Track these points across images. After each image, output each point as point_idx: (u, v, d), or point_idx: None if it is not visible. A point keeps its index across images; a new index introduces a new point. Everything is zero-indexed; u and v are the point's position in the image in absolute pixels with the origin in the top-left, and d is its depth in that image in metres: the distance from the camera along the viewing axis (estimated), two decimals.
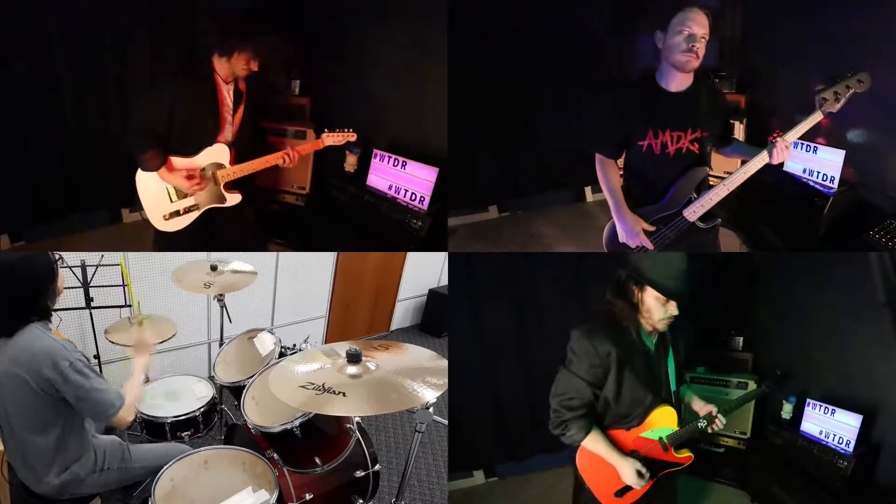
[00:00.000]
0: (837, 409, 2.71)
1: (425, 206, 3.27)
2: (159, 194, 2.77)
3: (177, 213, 2.80)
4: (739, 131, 3.81)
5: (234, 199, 2.83)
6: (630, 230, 2.35)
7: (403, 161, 3.35)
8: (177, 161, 2.70)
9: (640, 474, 1.93)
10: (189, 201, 2.81)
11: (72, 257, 2.89)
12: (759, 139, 3.69)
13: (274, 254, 4.02)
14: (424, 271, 5.46)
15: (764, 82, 3.83)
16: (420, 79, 3.34)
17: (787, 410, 3.03)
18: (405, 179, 3.35)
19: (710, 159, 2.38)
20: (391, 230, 3.38)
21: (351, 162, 3.65)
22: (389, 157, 3.42)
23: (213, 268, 2.97)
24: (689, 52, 2.18)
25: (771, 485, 2.93)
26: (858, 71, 2.08)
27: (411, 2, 3.30)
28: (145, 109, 2.69)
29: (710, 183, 2.40)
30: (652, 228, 2.35)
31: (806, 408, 2.87)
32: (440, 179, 3.23)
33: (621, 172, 2.46)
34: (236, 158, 2.75)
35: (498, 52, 4.02)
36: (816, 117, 2.14)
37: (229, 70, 2.66)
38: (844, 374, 2.78)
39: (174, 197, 2.78)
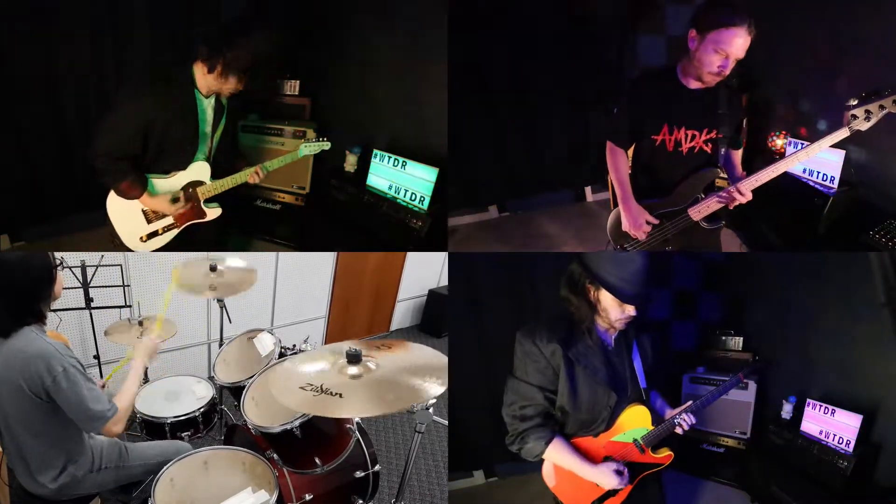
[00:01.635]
0: (837, 409, 2.71)
1: (425, 206, 3.27)
2: (135, 216, 2.60)
3: (155, 234, 2.68)
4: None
5: (213, 213, 2.72)
6: (635, 220, 2.33)
7: (403, 161, 3.35)
8: (157, 182, 2.52)
9: (618, 473, 1.80)
10: (168, 220, 2.68)
11: (72, 257, 2.89)
12: (759, 139, 3.70)
13: (274, 254, 4.02)
14: (424, 271, 5.46)
15: (764, 82, 3.82)
16: (420, 79, 3.34)
17: (787, 410, 3.03)
18: (405, 179, 3.35)
19: (722, 161, 2.34)
20: (391, 230, 3.38)
21: (351, 162, 3.66)
22: (389, 157, 3.42)
23: (213, 268, 2.97)
24: (718, 75, 2.12)
25: (771, 485, 2.94)
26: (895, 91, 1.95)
27: (411, 2, 3.31)
28: (119, 128, 2.35)
29: (718, 184, 2.38)
30: (656, 221, 2.34)
31: (806, 408, 2.87)
32: (440, 179, 3.23)
33: (632, 163, 2.45)
34: (215, 173, 2.63)
35: (498, 52, 4.02)
36: (842, 133, 2.04)
37: (212, 84, 2.43)
38: (844, 374, 2.78)
39: (151, 216, 2.63)
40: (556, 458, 1.82)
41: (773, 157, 3.62)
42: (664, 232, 2.37)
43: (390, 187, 3.42)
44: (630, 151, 2.45)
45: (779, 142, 3.62)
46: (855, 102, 1.98)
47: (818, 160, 3.23)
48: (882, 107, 1.94)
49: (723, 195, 2.24)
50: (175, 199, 2.62)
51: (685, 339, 3.69)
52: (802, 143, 3.35)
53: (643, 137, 2.32)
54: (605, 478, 1.80)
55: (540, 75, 4.10)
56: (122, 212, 2.60)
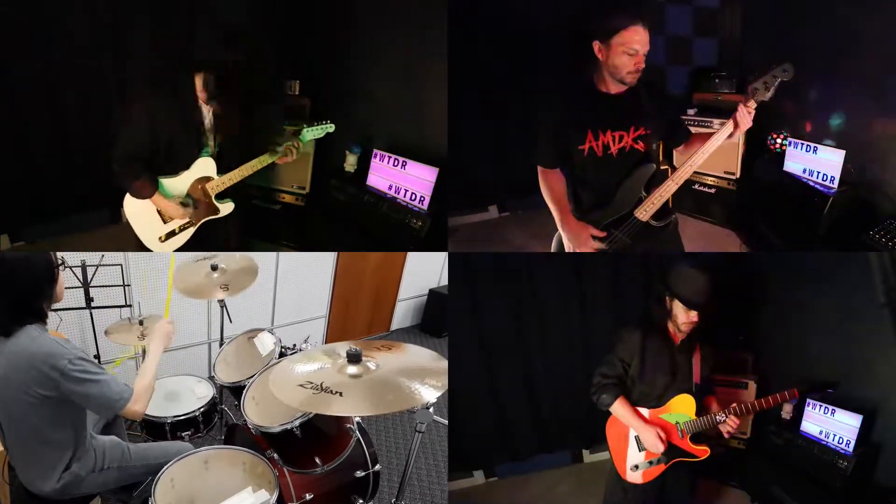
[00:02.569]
0: (837, 409, 2.71)
1: (425, 206, 3.27)
2: (151, 218, 2.68)
3: (172, 234, 2.73)
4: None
5: (226, 208, 2.76)
6: (577, 238, 2.33)
7: (403, 161, 3.35)
8: (166, 183, 2.62)
9: (659, 439, 2.28)
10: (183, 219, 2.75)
11: (72, 257, 2.89)
12: (758, 139, 3.70)
13: (274, 254, 4.02)
14: (424, 271, 5.46)
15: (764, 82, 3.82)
16: (420, 79, 3.34)
17: (787, 410, 3.03)
18: (405, 179, 3.35)
19: (658, 157, 2.34)
20: (391, 230, 3.38)
21: (351, 162, 3.66)
22: (389, 157, 3.42)
23: (214, 268, 2.97)
24: (635, 73, 2.14)
25: (771, 485, 2.94)
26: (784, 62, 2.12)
27: (412, 2, 3.31)
28: (127, 133, 2.53)
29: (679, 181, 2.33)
30: (602, 234, 2.32)
31: (806, 408, 2.87)
32: (440, 179, 3.24)
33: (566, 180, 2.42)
34: (222, 168, 2.66)
35: (498, 53, 4.02)
36: (752, 104, 2.15)
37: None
38: (844, 374, 2.78)
39: (167, 217, 2.70)
40: (619, 411, 2.34)
41: (773, 156, 3.62)
42: (614, 241, 2.33)
43: (390, 187, 3.42)
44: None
45: (779, 141, 3.62)
46: (752, 78, 2.14)
47: (818, 160, 3.23)
48: (775, 76, 2.10)
49: (665, 185, 2.25)
50: (185, 204, 2.67)
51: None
52: (803, 143, 3.35)
53: (572, 152, 2.28)
54: (650, 437, 2.29)
55: (540, 75, 4.10)
56: (140, 214, 2.68)
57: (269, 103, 3.57)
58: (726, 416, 2.29)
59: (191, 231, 2.76)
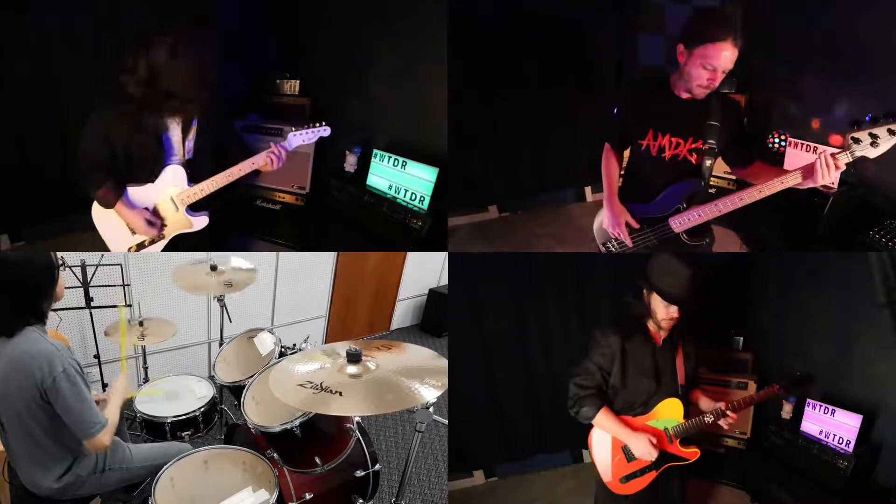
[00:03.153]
0: (837, 409, 2.71)
1: (425, 206, 3.27)
2: (119, 229, 2.58)
3: (142, 245, 2.61)
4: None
5: (200, 223, 2.60)
6: (615, 219, 2.35)
7: (403, 161, 3.35)
8: (133, 192, 2.50)
9: (652, 446, 2.16)
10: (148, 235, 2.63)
11: (72, 257, 2.89)
12: (759, 139, 3.69)
13: (274, 254, 4.02)
14: (424, 271, 5.46)
15: (764, 82, 3.82)
16: (420, 79, 3.34)
17: (787, 410, 3.04)
18: (405, 179, 3.35)
19: (709, 173, 2.29)
20: (391, 230, 3.38)
21: (351, 162, 3.66)
22: (389, 157, 3.42)
23: (214, 268, 2.97)
24: (707, 88, 2.13)
25: (771, 485, 2.94)
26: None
27: (411, 2, 3.30)
28: (87, 141, 2.41)
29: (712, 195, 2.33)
30: (637, 225, 2.34)
31: (806, 408, 2.87)
32: (440, 179, 3.23)
33: (625, 165, 2.48)
34: (194, 177, 2.52)
35: (498, 52, 4.02)
36: (843, 158, 1.94)
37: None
38: (844, 374, 2.78)
39: (137, 232, 2.59)
40: (603, 423, 2.22)
41: (774, 157, 3.62)
42: (645, 238, 2.36)
43: (390, 187, 3.42)
44: (626, 154, 2.46)
45: (778, 141, 3.62)
46: (857, 126, 1.86)
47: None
48: (891, 131, 1.81)
49: (708, 207, 2.21)
50: (150, 222, 2.52)
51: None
52: (802, 144, 3.35)
53: (633, 142, 2.34)
54: (641, 444, 2.18)
55: (540, 75, 4.10)
56: (107, 224, 2.60)
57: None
58: (715, 418, 2.22)
59: (161, 244, 2.62)
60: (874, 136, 1.85)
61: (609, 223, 2.38)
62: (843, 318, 2.77)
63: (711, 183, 3.97)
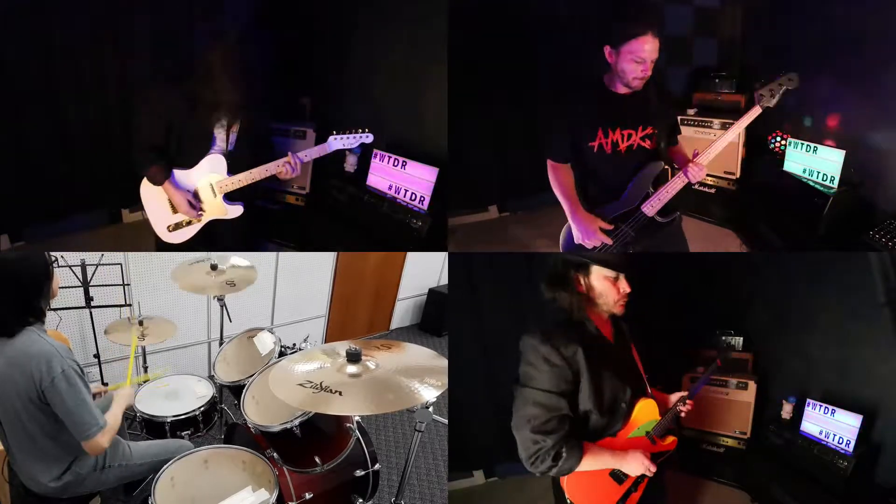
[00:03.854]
0: (837, 409, 2.71)
1: (425, 206, 3.27)
2: (162, 206, 2.77)
3: (179, 225, 2.79)
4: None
5: (235, 211, 2.81)
6: (587, 230, 2.36)
7: (403, 161, 3.35)
8: (178, 174, 2.71)
9: (647, 458, 1.77)
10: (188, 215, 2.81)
11: (72, 257, 2.89)
12: (758, 139, 3.70)
13: (274, 254, 4.02)
14: (424, 271, 5.46)
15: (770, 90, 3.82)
16: (420, 79, 3.34)
17: (787, 410, 3.04)
18: (405, 179, 3.35)
19: (666, 154, 2.41)
20: (391, 230, 3.38)
21: (351, 162, 3.65)
22: (389, 157, 3.42)
23: (214, 267, 2.97)
24: (639, 79, 2.23)
25: (771, 485, 2.94)
26: (789, 71, 2.27)
27: (411, 2, 3.31)
28: (144, 124, 2.71)
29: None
30: (610, 227, 2.36)
31: (806, 408, 2.87)
32: (440, 179, 3.23)
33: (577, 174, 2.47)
34: (233, 168, 2.73)
35: (498, 53, 4.02)
36: (755, 111, 2.28)
37: None
38: (844, 374, 2.78)
39: (176, 208, 2.77)
40: (592, 462, 1.72)
41: (774, 157, 3.62)
42: (622, 235, 2.38)
43: (390, 187, 3.42)
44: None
45: (778, 141, 3.62)
46: (759, 85, 2.27)
47: (818, 160, 3.23)
48: (780, 84, 2.23)
49: (683, 174, 2.32)
50: (192, 204, 2.71)
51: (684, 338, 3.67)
52: (803, 143, 3.35)
53: (582, 147, 2.35)
54: (637, 463, 1.76)
55: (540, 75, 4.10)
56: (152, 201, 2.78)
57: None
58: (685, 403, 1.89)
59: (197, 227, 2.80)
60: (771, 90, 2.24)
61: (582, 236, 2.38)
62: (843, 318, 2.77)
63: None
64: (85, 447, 1.84)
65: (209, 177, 2.72)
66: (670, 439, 1.91)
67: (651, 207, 2.36)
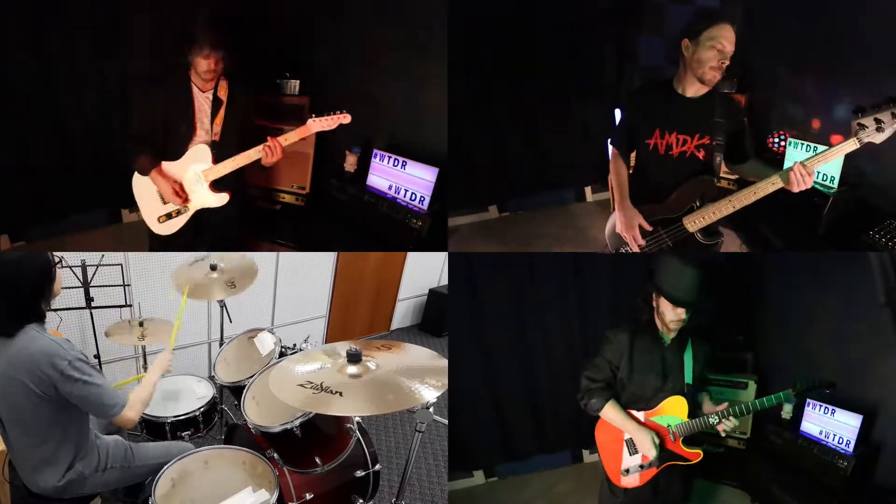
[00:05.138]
0: (837, 409, 2.71)
1: (425, 206, 3.27)
2: (152, 197, 2.87)
3: (169, 216, 2.88)
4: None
5: (221, 199, 2.87)
6: (627, 221, 2.37)
7: (403, 161, 3.35)
8: (166, 166, 2.81)
9: (653, 442, 2.23)
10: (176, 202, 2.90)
11: (72, 257, 2.89)
12: (759, 139, 3.70)
13: (274, 254, 4.02)
14: (424, 271, 5.46)
15: (764, 82, 3.83)
16: (420, 79, 3.34)
17: (787, 410, 3.03)
18: (405, 179, 3.35)
19: (719, 170, 2.29)
20: (391, 230, 3.38)
21: (351, 162, 3.66)
22: (389, 157, 3.42)
23: (214, 267, 2.97)
24: (719, 69, 2.17)
25: (771, 485, 2.93)
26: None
27: (411, 1, 3.31)
28: (134, 116, 2.86)
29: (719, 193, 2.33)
30: (650, 228, 2.35)
31: (806, 408, 2.87)
32: (440, 179, 3.23)
33: (632, 167, 2.50)
34: (219, 158, 2.81)
35: (498, 52, 4.02)
36: (850, 146, 1.98)
37: (201, 79, 2.74)
38: (844, 374, 2.78)
39: (166, 198, 2.86)
40: (610, 415, 2.30)
41: (773, 157, 3.62)
42: (659, 240, 2.36)
43: (390, 187, 3.42)
44: (633, 157, 2.48)
45: (779, 141, 3.62)
46: (862, 112, 1.90)
47: None
48: (894, 115, 1.85)
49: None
50: (177, 192, 2.79)
51: None
52: (803, 143, 3.35)
53: (639, 143, 2.36)
54: (645, 440, 2.25)
55: (540, 75, 4.10)
56: (144, 195, 2.89)
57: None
58: (719, 420, 2.23)
59: (186, 216, 2.88)
60: (879, 121, 1.88)
61: (622, 226, 2.39)
62: (843, 318, 2.77)
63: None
64: (115, 423, 1.90)
65: (195, 166, 2.81)
66: (694, 450, 2.30)
67: (693, 223, 2.29)
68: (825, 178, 3.19)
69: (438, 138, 3.28)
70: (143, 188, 2.86)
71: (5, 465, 1.98)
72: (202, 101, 2.80)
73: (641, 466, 2.32)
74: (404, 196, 3.36)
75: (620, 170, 2.49)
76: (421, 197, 3.28)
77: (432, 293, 5.50)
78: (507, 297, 3.42)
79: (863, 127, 1.91)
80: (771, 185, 2.14)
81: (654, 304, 2.27)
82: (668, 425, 2.28)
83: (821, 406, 2.79)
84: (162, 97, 2.79)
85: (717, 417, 2.24)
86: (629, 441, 2.32)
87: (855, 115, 1.90)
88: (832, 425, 2.72)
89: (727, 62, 2.17)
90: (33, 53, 3.16)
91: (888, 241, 2.69)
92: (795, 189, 2.08)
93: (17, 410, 1.80)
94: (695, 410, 2.31)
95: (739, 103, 2.89)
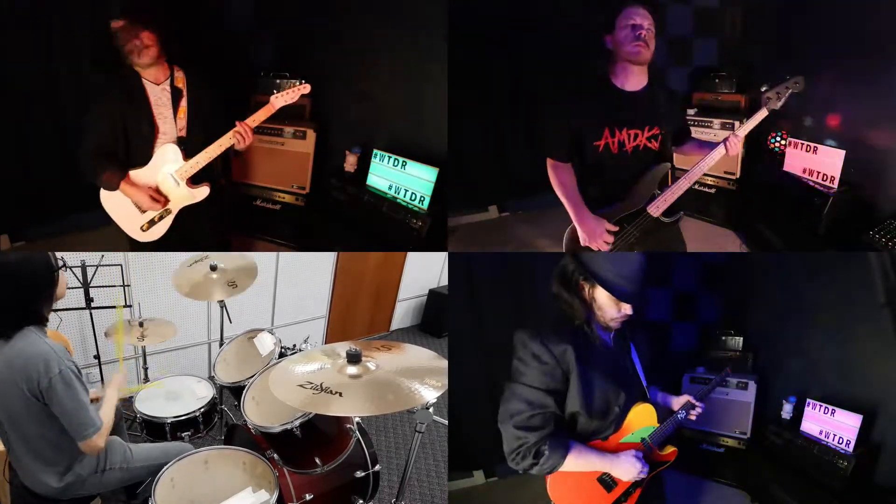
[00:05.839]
0: (837, 409, 2.71)
1: (425, 206, 3.27)
2: (128, 209, 2.73)
3: (152, 222, 2.75)
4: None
5: (202, 193, 2.75)
6: (593, 232, 2.31)
7: (403, 161, 3.35)
8: (134, 175, 2.68)
9: (637, 460, 1.70)
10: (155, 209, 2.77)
11: (72, 257, 2.89)
12: (759, 139, 3.70)
13: (274, 254, 4.02)
14: (424, 271, 5.46)
15: (764, 82, 3.82)
16: (420, 79, 3.34)
17: (787, 410, 3.04)
18: (405, 179, 3.35)
19: (672, 155, 2.39)
20: (391, 230, 3.38)
21: (351, 162, 3.66)
22: (389, 157, 3.42)
23: (213, 268, 2.97)
24: (637, 40, 2.19)
25: (771, 485, 2.94)
26: (795, 75, 2.34)
27: (411, 2, 3.30)
28: (90, 129, 2.66)
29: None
30: (616, 228, 2.33)
31: (806, 408, 2.87)
32: (440, 179, 3.23)
33: (581, 175, 2.42)
34: (190, 153, 2.69)
35: (498, 52, 4.02)
36: (762, 114, 2.35)
37: (145, 68, 2.61)
38: (844, 374, 2.78)
39: (144, 208, 2.74)
40: (578, 464, 1.66)
41: (774, 157, 3.62)
42: (627, 236, 2.35)
43: (390, 187, 3.42)
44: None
45: (778, 141, 3.62)
46: (766, 88, 2.35)
47: (818, 160, 3.23)
48: (787, 87, 2.32)
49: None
50: (154, 198, 2.68)
51: (685, 339, 3.70)
52: (803, 143, 3.35)
53: (586, 147, 2.30)
54: (627, 466, 1.69)
55: (540, 75, 4.10)
56: (118, 209, 2.74)
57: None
58: (687, 413, 1.87)
59: (170, 218, 2.76)
60: (778, 93, 2.32)
61: (587, 238, 2.33)
62: (843, 318, 2.77)
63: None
64: (82, 447, 1.84)
65: (166, 168, 2.68)
66: (669, 450, 1.83)
67: (656, 208, 2.33)
68: (825, 178, 3.19)
69: (438, 138, 3.28)
70: (116, 202, 2.71)
71: (5, 465, 1.98)
72: (159, 94, 2.66)
73: (626, 494, 1.78)
74: (404, 196, 3.36)
75: (567, 180, 2.36)
76: (421, 197, 3.28)
77: (432, 293, 5.50)
78: (507, 297, 3.42)
79: (768, 99, 2.33)
80: (717, 154, 2.35)
81: (587, 295, 1.68)
82: (642, 439, 1.77)
83: (821, 406, 2.79)
84: (115, 97, 2.62)
85: (684, 412, 1.87)
86: (604, 478, 1.75)
87: (764, 91, 2.34)
88: (832, 425, 2.72)
89: (647, 36, 2.20)
90: (33, 53, 3.15)
91: (888, 241, 2.69)
92: (731, 154, 2.36)
93: (15, 413, 1.80)
94: (659, 412, 1.83)
95: (678, 93, 2.97)
